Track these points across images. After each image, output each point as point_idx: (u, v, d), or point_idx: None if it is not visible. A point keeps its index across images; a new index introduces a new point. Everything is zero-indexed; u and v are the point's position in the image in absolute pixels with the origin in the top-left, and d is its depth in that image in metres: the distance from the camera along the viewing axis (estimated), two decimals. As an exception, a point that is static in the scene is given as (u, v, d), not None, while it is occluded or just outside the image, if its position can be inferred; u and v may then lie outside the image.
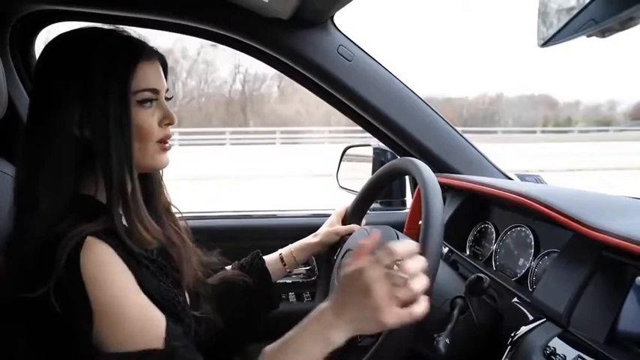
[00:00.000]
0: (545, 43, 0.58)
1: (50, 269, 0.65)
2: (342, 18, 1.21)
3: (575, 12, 0.50)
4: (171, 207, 0.95)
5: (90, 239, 0.68)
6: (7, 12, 1.16)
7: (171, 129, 0.84)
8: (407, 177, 1.50)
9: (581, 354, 0.66)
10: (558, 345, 0.70)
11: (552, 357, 0.69)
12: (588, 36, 0.49)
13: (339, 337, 0.68)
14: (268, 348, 0.72)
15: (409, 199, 1.58)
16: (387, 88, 1.25)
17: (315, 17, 1.15)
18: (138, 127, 0.78)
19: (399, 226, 1.31)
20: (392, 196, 1.59)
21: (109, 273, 0.68)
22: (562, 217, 0.80)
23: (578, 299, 0.73)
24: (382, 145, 1.47)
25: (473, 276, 0.82)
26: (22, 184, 0.75)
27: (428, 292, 0.78)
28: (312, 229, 1.16)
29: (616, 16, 0.41)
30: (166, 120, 0.82)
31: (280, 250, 1.14)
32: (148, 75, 0.79)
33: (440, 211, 0.76)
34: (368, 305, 0.66)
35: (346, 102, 1.27)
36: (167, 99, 0.84)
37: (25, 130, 0.76)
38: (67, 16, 1.27)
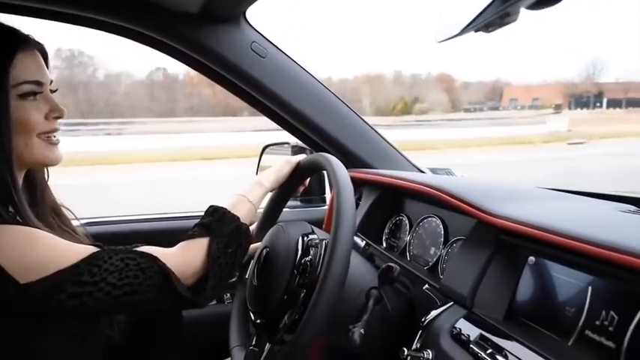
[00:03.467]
0: (442, 40, 0.61)
1: None
2: (254, 14, 1.20)
3: (465, 11, 0.53)
4: (61, 209, 0.90)
5: None
6: None
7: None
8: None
9: (483, 332, 0.71)
10: (464, 326, 0.75)
11: (458, 337, 0.73)
12: (476, 31, 0.52)
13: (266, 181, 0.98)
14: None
15: (330, 195, 1.60)
16: (301, 84, 1.25)
17: (226, 12, 1.12)
18: (20, 121, 0.74)
19: (319, 223, 1.32)
20: (311, 193, 1.60)
21: (21, 247, 0.69)
22: (464, 205, 0.84)
23: (480, 282, 0.78)
24: (300, 143, 1.48)
25: (384, 265, 0.85)
26: None
27: (342, 285, 0.80)
28: None
29: (496, 11, 0.44)
30: (54, 113, 0.78)
31: None
32: (27, 66, 0.75)
33: (350, 204, 0.77)
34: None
35: (261, 99, 1.25)
36: (52, 91, 0.80)
37: None
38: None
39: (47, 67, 0.81)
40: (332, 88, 1.34)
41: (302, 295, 0.82)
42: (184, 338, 1.36)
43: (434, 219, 1.07)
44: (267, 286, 0.88)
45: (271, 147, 1.62)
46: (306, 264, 0.83)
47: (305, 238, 0.88)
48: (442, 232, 1.03)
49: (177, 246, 0.85)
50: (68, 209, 0.94)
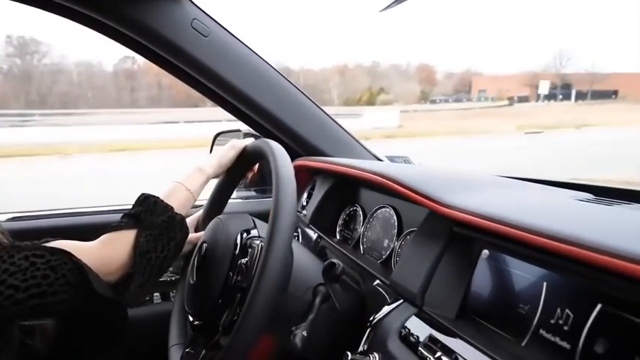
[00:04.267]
0: (383, 9, 0.55)
1: None
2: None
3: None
4: None
5: None
6: None
7: None
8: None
9: (433, 332, 0.65)
10: (413, 325, 0.69)
11: (407, 338, 0.67)
12: None
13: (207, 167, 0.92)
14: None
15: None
16: (247, 66, 1.16)
17: (163, -14, 1.02)
18: None
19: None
20: (266, 183, 1.52)
21: None
22: (415, 195, 0.78)
23: (431, 277, 0.72)
24: (253, 130, 1.39)
25: (326, 262, 0.78)
26: None
27: (285, 282, 0.73)
28: None
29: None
30: None
31: None
32: None
33: (289, 198, 0.70)
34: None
35: (205, 82, 1.16)
36: None
37: None
38: None
39: None
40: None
41: (239, 295, 0.75)
42: (129, 339, 1.27)
43: (387, 209, 1.01)
44: (204, 285, 0.80)
45: (223, 134, 1.53)
46: (241, 265, 0.76)
47: (245, 234, 0.80)
48: (395, 224, 0.97)
49: (99, 239, 0.77)
50: None
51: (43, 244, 0.69)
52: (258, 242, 0.78)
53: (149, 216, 0.79)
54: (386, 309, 0.75)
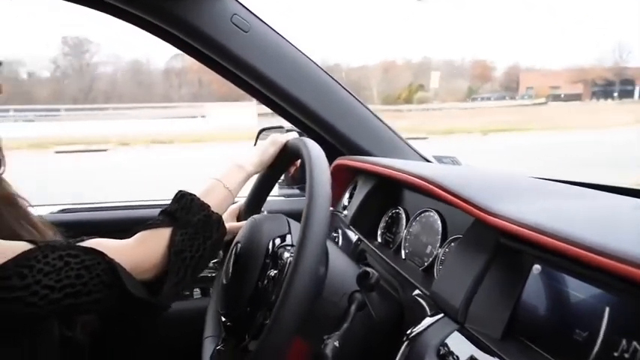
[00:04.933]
0: None
1: None
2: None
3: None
4: (16, 199, 0.81)
5: None
6: None
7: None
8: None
9: (475, 352, 0.59)
10: (454, 343, 0.63)
11: (446, 357, 0.62)
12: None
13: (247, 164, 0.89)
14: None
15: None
16: (288, 61, 1.13)
17: (204, -19, 1.01)
18: None
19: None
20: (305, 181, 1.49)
21: None
22: (460, 201, 0.72)
23: (475, 291, 0.66)
24: (296, 128, 1.37)
25: (360, 270, 0.74)
26: None
27: (319, 286, 0.70)
28: None
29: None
30: None
31: None
32: None
33: (322, 201, 0.66)
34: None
35: (245, 78, 1.14)
36: None
37: None
38: None
39: None
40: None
41: (268, 303, 0.72)
42: (167, 333, 1.29)
43: (431, 213, 0.95)
44: (235, 288, 0.78)
45: (267, 131, 1.52)
46: (270, 276, 0.73)
47: (277, 241, 0.78)
48: (440, 229, 0.91)
49: (134, 237, 0.76)
50: (24, 199, 0.85)
51: (77, 244, 0.69)
52: (287, 255, 0.75)
53: (185, 214, 0.77)
54: (425, 322, 0.70)
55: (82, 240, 0.72)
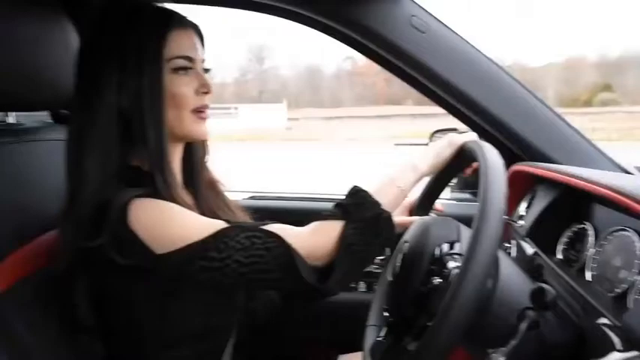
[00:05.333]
0: None
1: (103, 226, 0.71)
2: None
3: None
4: (217, 185, 0.95)
5: (135, 200, 0.73)
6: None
7: None
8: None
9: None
10: (649, 387, 0.54)
11: (637, 402, 0.53)
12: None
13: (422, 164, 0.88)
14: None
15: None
16: (468, 63, 1.09)
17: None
18: (172, 94, 0.79)
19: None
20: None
21: (158, 221, 0.73)
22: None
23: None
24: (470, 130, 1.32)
25: (535, 286, 0.68)
26: (71, 157, 0.79)
27: (486, 300, 0.67)
28: None
29: None
30: (203, 89, 0.82)
31: None
32: (180, 43, 0.80)
33: (498, 201, 0.63)
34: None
35: (422, 80, 1.14)
36: (206, 70, 0.85)
37: (72, 105, 0.80)
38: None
39: (202, 47, 0.86)
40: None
41: (433, 307, 0.71)
42: (329, 323, 1.36)
43: (628, 233, 0.82)
44: (399, 287, 0.80)
45: (440, 132, 1.50)
46: (433, 284, 0.72)
47: (445, 247, 0.76)
48: (638, 252, 0.78)
49: (309, 225, 0.81)
50: (223, 185, 1.00)
51: (261, 227, 0.78)
52: (453, 265, 0.73)
53: (357, 209, 0.80)
54: (613, 358, 0.61)
55: (266, 224, 0.80)
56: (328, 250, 0.78)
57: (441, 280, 0.73)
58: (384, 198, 0.82)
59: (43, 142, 1.00)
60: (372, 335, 0.91)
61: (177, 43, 0.79)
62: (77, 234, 0.74)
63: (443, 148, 0.91)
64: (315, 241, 0.79)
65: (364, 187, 0.83)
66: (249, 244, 0.74)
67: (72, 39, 0.97)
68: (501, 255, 0.78)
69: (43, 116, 1.18)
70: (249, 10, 1.18)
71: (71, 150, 0.79)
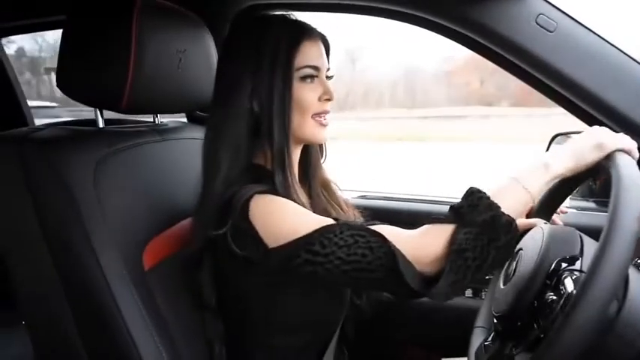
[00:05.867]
0: None
1: (228, 217, 0.79)
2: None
3: None
4: (331, 184, 1.00)
5: (257, 195, 0.80)
6: (228, 8, 1.35)
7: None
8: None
9: None
10: None
11: None
12: None
13: (557, 165, 0.77)
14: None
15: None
16: (602, 64, 1.00)
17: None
18: (298, 100, 0.85)
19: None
20: (607, 195, 1.29)
21: (274, 216, 0.79)
22: None
23: None
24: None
25: None
26: (207, 153, 0.89)
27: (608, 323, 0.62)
28: None
29: None
30: (325, 96, 0.88)
31: None
32: (309, 53, 0.86)
33: (631, 216, 0.58)
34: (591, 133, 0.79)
35: (548, 82, 1.06)
36: (328, 77, 0.90)
37: (210, 106, 0.90)
38: (277, 7, 1.40)
39: (328, 56, 0.92)
40: None
41: (545, 324, 0.68)
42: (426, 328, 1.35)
43: None
44: (509, 296, 0.76)
45: (562, 136, 1.39)
46: (547, 300, 0.68)
47: (563, 264, 0.71)
48: None
49: (419, 228, 0.79)
50: (336, 184, 1.05)
51: (367, 226, 0.79)
52: (571, 286, 0.67)
53: (470, 212, 0.74)
54: None
55: (374, 224, 0.82)
56: (437, 256, 0.74)
57: (555, 298, 0.68)
58: (506, 200, 0.75)
59: (181, 141, 1.13)
60: (478, 338, 0.89)
61: (307, 54, 0.86)
62: (207, 223, 0.83)
63: (589, 150, 0.78)
64: (423, 245, 0.76)
65: (482, 189, 0.77)
66: (352, 242, 0.75)
67: (211, 49, 1.09)
68: (632, 271, 0.71)
69: (181, 117, 1.33)
70: (371, 15, 1.21)
71: (208, 146, 0.89)
